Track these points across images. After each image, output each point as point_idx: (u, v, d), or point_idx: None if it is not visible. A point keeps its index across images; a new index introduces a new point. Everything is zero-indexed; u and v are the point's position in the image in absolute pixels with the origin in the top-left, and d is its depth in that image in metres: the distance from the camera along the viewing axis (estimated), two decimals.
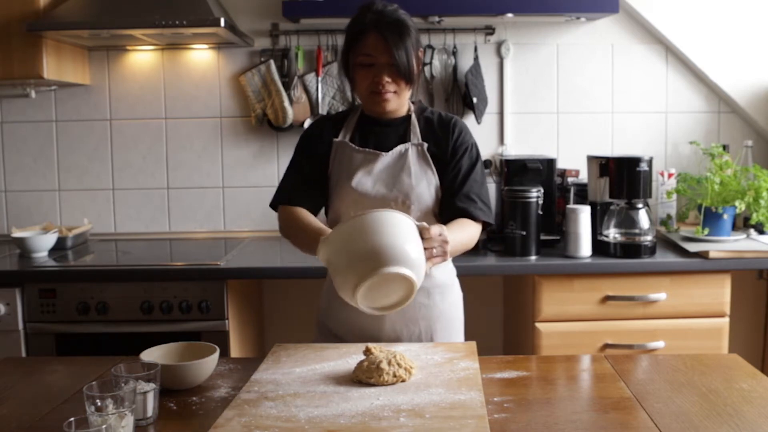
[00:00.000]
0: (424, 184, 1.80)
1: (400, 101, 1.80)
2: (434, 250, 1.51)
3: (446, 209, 1.81)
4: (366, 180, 1.79)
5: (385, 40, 1.71)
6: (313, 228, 1.69)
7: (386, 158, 1.81)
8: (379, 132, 1.85)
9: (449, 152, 1.83)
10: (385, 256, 1.38)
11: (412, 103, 1.89)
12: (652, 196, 2.79)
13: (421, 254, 1.45)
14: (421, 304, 1.82)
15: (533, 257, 2.53)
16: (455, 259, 1.95)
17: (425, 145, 1.82)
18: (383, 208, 1.48)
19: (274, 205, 1.88)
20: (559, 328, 2.48)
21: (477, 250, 2.64)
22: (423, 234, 1.49)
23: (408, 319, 1.81)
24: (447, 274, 1.90)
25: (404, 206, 1.78)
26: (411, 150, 1.81)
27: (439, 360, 1.58)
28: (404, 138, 1.84)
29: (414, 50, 1.75)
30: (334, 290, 1.88)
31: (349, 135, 1.85)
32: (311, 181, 1.85)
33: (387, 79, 1.74)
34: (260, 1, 3.02)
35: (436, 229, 1.52)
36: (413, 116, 1.86)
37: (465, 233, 1.74)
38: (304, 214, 1.79)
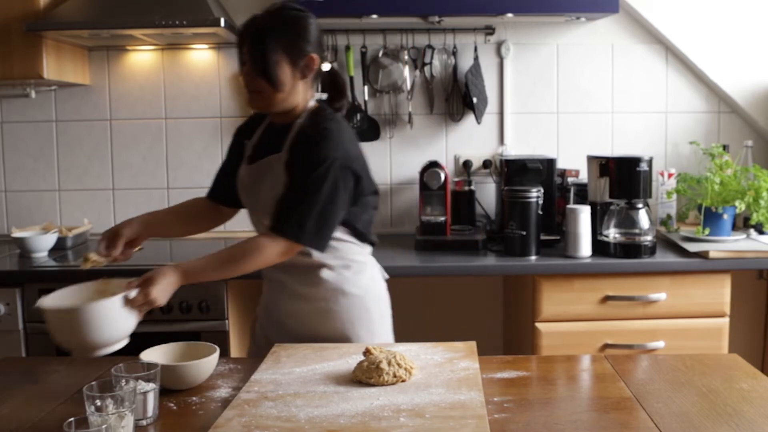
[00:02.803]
0: None
1: (266, 103, 1.80)
2: (139, 308, 1.58)
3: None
4: (244, 187, 1.89)
5: (242, 40, 1.77)
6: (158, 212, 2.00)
7: (253, 169, 1.85)
8: (271, 136, 1.86)
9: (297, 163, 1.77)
10: (90, 347, 1.56)
11: (318, 107, 1.85)
12: (652, 196, 2.79)
13: (125, 318, 1.57)
14: (321, 309, 1.85)
15: (533, 257, 2.53)
16: (391, 269, 2.01)
17: (285, 157, 1.78)
18: (90, 302, 1.54)
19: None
20: (559, 328, 2.48)
21: (477, 250, 2.64)
22: (126, 300, 1.56)
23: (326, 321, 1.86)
24: (338, 277, 1.86)
25: (267, 217, 1.77)
26: (276, 160, 1.80)
27: (439, 360, 1.58)
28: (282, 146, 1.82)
29: (277, 53, 1.74)
30: (269, 299, 1.94)
31: (256, 138, 1.91)
32: (228, 176, 1.96)
33: (248, 77, 1.77)
34: (260, 1, 3.01)
35: (133, 293, 1.56)
36: (296, 122, 1.82)
37: (233, 258, 1.71)
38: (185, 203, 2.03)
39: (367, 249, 1.93)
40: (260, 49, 1.73)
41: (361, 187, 1.81)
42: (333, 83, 1.92)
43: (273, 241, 1.70)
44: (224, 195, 2.01)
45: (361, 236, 1.88)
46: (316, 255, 1.80)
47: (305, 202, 1.70)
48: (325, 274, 1.84)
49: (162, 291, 1.60)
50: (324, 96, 1.91)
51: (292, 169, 1.74)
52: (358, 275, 1.89)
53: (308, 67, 1.79)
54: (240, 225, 3.10)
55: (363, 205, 1.85)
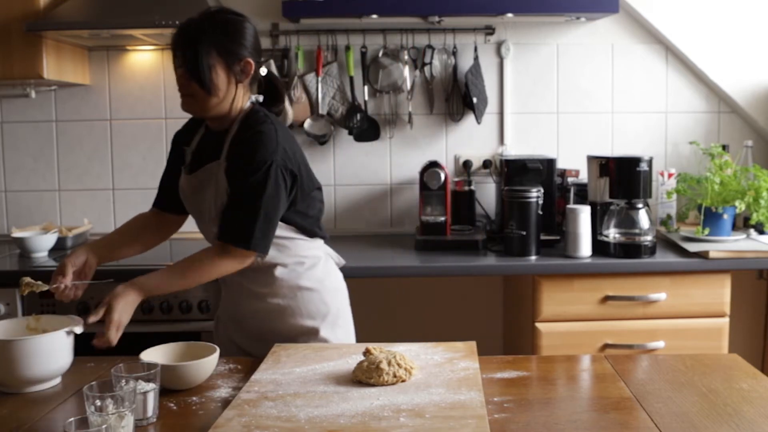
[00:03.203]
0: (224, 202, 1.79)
1: (200, 107, 1.79)
2: (109, 336, 1.60)
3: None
4: (186, 197, 1.87)
5: (176, 42, 1.75)
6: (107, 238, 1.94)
7: (193, 178, 1.84)
8: (209, 143, 1.86)
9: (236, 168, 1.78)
10: (23, 383, 1.50)
11: (252, 109, 1.84)
12: (652, 196, 2.79)
13: (64, 354, 1.53)
14: (279, 306, 1.86)
15: (533, 257, 2.53)
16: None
17: (224, 164, 1.78)
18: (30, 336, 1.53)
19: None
20: (559, 328, 2.48)
21: (477, 250, 2.64)
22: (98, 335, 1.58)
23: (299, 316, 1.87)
24: (292, 274, 1.88)
25: (214, 225, 1.79)
26: (216, 168, 1.80)
27: (439, 360, 1.58)
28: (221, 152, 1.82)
29: (211, 57, 1.73)
30: (228, 301, 1.96)
31: (195, 144, 1.89)
32: (172, 183, 1.94)
33: (182, 81, 1.76)
34: (260, 1, 3.01)
35: (78, 329, 1.55)
36: (232, 128, 1.82)
37: (185, 270, 1.74)
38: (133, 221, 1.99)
39: (318, 243, 1.95)
40: (193, 52, 1.72)
41: (301, 185, 1.82)
42: (271, 88, 1.91)
43: (225, 255, 1.73)
44: (170, 203, 1.98)
45: (310, 232, 1.90)
46: (269, 255, 1.81)
47: (250, 210, 1.71)
48: (279, 272, 1.86)
49: (124, 312, 1.62)
50: (260, 97, 1.88)
51: (232, 177, 1.75)
52: (312, 270, 1.91)
53: (244, 71, 1.78)
54: None
55: (308, 201, 1.87)
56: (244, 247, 1.72)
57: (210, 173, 1.81)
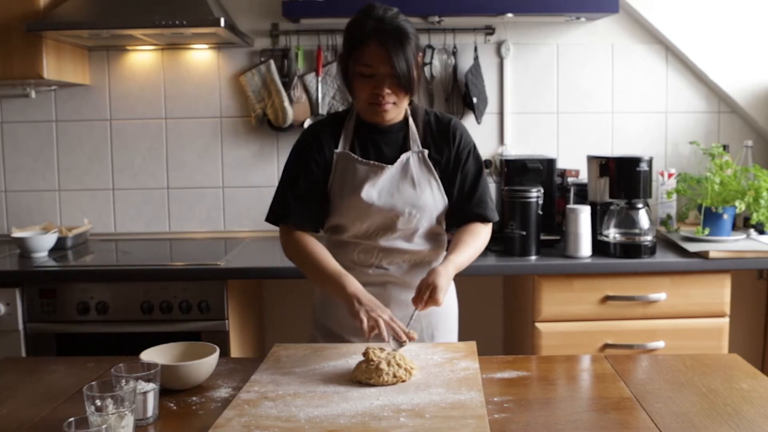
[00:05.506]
0: (428, 193, 1.80)
1: (398, 110, 1.79)
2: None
3: (461, 214, 1.85)
4: (372, 191, 1.78)
5: (386, 50, 1.66)
6: (330, 270, 1.73)
7: (391, 170, 1.79)
8: (378, 139, 1.82)
9: (452, 157, 1.83)
10: None
11: (408, 104, 1.85)
12: (652, 196, 2.79)
13: None
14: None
15: (533, 257, 2.53)
16: None
17: (426, 152, 1.81)
18: None
19: (274, 221, 1.85)
20: (559, 328, 2.48)
21: None
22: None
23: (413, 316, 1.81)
24: None
25: (410, 216, 1.79)
26: (412, 158, 1.80)
27: (439, 360, 1.58)
28: (404, 145, 1.82)
29: (414, 59, 1.71)
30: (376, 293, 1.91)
31: (349, 144, 1.82)
32: (313, 197, 1.81)
33: (387, 90, 1.70)
34: (260, 1, 3.01)
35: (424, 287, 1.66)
36: (410, 121, 1.84)
37: (476, 244, 1.83)
38: (316, 246, 1.77)
39: None
40: (405, 59, 1.67)
41: None
42: None
43: (487, 228, 1.88)
44: (315, 220, 1.84)
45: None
46: (428, 247, 1.86)
47: (486, 185, 1.88)
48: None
49: (448, 286, 1.70)
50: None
51: (455, 161, 1.83)
52: None
53: (420, 65, 1.78)
54: (239, 224, 3.12)
55: None
56: (495, 219, 1.89)
57: (405, 163, 1.80)
